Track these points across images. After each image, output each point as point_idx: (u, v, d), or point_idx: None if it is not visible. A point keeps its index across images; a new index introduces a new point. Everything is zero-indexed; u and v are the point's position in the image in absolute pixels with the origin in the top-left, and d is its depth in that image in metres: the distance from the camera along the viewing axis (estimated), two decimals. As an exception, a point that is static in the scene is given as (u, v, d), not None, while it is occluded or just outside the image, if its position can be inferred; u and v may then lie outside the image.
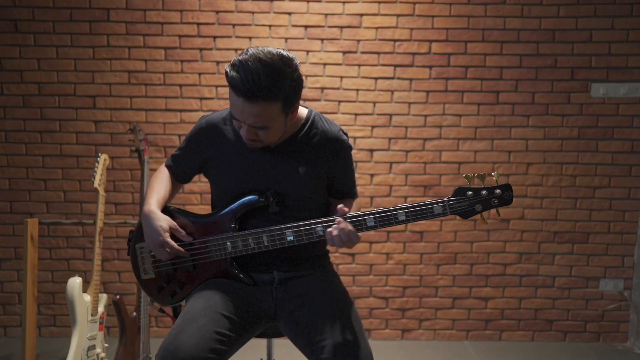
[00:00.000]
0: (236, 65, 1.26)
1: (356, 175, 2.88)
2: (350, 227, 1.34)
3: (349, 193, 1.60)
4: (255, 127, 1.32)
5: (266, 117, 1.30)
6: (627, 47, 2.84)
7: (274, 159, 1.46)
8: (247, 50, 1.28)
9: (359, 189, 2.88)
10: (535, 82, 2.87)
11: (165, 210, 1.51)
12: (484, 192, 1.34)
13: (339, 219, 1.36)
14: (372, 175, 2.92)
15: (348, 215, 1.37)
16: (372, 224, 1.36)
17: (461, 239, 2.96)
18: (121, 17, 2.80)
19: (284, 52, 1.30)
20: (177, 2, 2.79)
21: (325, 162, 1.49)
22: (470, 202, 1.34)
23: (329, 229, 1.35)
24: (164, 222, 1.43)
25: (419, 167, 2.92)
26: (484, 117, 2.90)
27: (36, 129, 2.86)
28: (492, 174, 1.33)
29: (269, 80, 1.25)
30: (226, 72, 1.28)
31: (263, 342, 1.71)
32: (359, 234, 1.37)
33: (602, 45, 2.84)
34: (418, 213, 1.35)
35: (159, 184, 1.55)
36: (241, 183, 1.47)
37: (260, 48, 1.28)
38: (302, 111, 1.50)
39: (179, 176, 1.62)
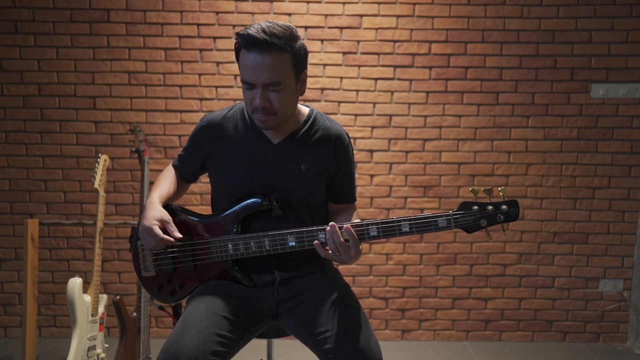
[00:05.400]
0: (248, 26, 1.32)
1: (356, 176, 2.89)
2: (340, 238, 1.31)
3: (347, 196, 1.59)
4: (270, 85, 1.33)
5: (279, 70, 1.32)
6: (626, 47, 2.84)
7: (276, 156, 1.46)
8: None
9: (359, 189, 2.90)
10: (535, 83, 2.88)
11: (169, 208, 1.52)
12: (490, 207, 1.32)
13: (329, 227, 1.33)
14: (372, 176, 2.92)
15: (352, 223, 1.35)
16: (375, 233, 1.35)
17: (461, 240, 2.96)
18: (121, 18, 2.80)
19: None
20: (177, 3, 2.79)
21: (326, 160, 1.49)
22: (475, 216, 1.32)
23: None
24: (159, 212, 1.43)
25: (419, 168, 2.92)
26: (484, 118, 2.90)
27: (36, 129, 2.86)
28: (500, 189, 1.31)
29: (282, 32, 1.31)
30: (237, 35, 1.33)
31: (263, 342, 1.71)
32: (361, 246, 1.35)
33: (601, 46, 2.84)
34: (422, 225, 1.33)
35: (165, 181, 1.58)
36: (243, 181, 1.47)
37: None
38: (304, 109, 1.52)
39: (185, 175, 1.64)
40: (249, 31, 1.30)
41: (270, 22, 1.32)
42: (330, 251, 1.34)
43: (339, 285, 1.48)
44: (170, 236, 1.42)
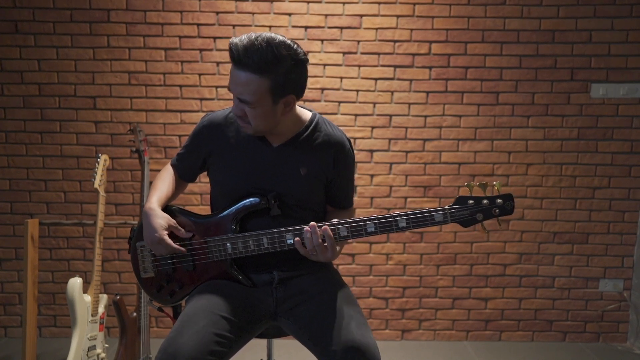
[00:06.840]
0: (244, 36, 1.30)
1: (356, 176, 2.89)
2: (318, 239, 1.34)
3: (344, 201, 1.60)
4: (241, 101, 1.34)
5: (251, 91, 1.30)
6: (626, 47, 2.84)
7: (276, 158, 1.47)
8: (262, 33, 1.31)
9: (359, 189, 2.90)
10: (535, 83, 2.88)
11: (167, 209, 1.52)
12: (485, 201, 1.34)
13: (308, 227, 1.35)
14: (372, 176, 2.92)
15: (349, 220, 1.37)
16: (373, 229, 1.36)
17: (461, 240, 2.96)
18: (121, 18, 2.80)
19: (294, 44, 1.33)
20: (177, 3, 2.80)
21: (325, 165, 1.49)
22: (471, 210, 1.34)
23: (297, 239, 1.36)
24: (163, 219, 1.44)
25: (419, 168, 2.92)
26: (484, 118, 2.90)
27: (36, 129, 2.86)
28: (494, 183, 1.34)
29: (264, 56, 1.27)
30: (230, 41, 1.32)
31: (263, 342, 1.71)
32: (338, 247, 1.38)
33: (601, 46, 2.84)
34: (418, 220, 1.35)
35: (162, 183, 1.57)
36: (242, 182, 1.48)
37: (274, 34, 1.31)
38: (306, 113, 1.51)
39: (184, 174, 1.63)
40: (234, 41, 1.29)
41: (263, 40, 1.27)
42: (308, 250, 1.36)
43: (338, 286, 1.48)
44: (180, 237, 1.46)
